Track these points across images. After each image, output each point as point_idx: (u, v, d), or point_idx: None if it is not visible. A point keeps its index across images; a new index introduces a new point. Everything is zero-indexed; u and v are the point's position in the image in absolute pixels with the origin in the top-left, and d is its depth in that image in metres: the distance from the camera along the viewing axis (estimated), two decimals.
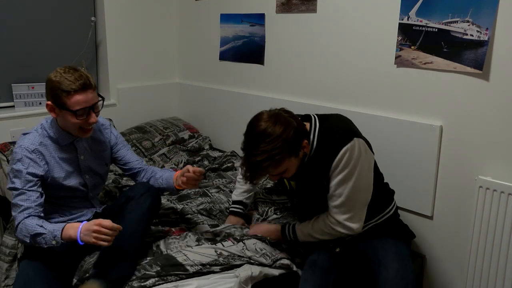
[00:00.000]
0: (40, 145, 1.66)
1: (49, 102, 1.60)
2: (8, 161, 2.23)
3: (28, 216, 1.54)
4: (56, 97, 1.57)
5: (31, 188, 1.58)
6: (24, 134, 1.70)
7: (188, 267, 1.54)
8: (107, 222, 1.45)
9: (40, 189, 1.62)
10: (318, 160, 1.56)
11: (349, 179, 1.54)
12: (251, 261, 1.60)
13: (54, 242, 1.49)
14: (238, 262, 1.58)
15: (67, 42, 2.74)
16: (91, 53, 2.88)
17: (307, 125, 1.60)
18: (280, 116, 1.52)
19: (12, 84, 2.54)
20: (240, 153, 2.77)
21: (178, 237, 1.75)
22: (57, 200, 1.74)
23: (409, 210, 2.02)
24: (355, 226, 1.58)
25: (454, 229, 1.90)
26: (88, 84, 1.58)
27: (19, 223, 1.55)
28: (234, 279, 1.49)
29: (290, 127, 1.48)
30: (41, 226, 1.52)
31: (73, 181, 1.74)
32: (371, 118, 2.07)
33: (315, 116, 1.64)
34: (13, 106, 2.57)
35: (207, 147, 2.91)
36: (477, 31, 1.68)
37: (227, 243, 1.66)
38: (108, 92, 2.90)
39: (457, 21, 1.74)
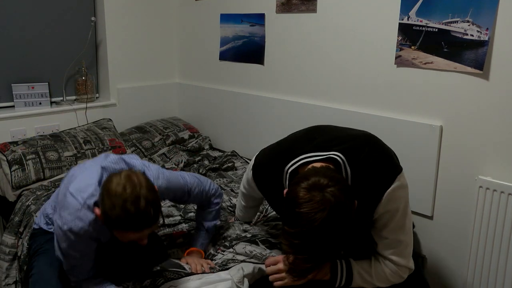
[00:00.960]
0: (90, 225, 1.36)
1: (98, 211, 1.31)
2: (8, 161, 2.23)
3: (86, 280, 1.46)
4: (107, 218, 1.26)
5: (89, 259, 1.44)
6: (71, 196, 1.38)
7: (186, 266, 1.56)
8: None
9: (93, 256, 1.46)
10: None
11: (403, 223, 1.36)
12: (245, 263, 1.60)
13: None
14: (232, 265, 1.58)
15: (67, 42, 2.74)
16: (91, 53, 2.88)
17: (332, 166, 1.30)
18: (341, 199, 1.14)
19: (12, 84, 2.54)
20: (241, 153, 2.80)
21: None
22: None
23: None
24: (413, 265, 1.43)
25: (454, 229, 1.90)
26: (146, 223, 1.27)
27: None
28: (229, 277, 1.50)
29: (351, 208, 1.18)
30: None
31: (116, 254, 1.54)
32: (371, 118, 2.07)
33: (341, 158, 1.30)
34: (13, 106, 2.57)
35: (207, 147, 2.91)
36: (477, 31, 1.69)
37: (218, 256, 1.66)
38: (108, 92, 2.90)
39: (457, 21, 1.74)
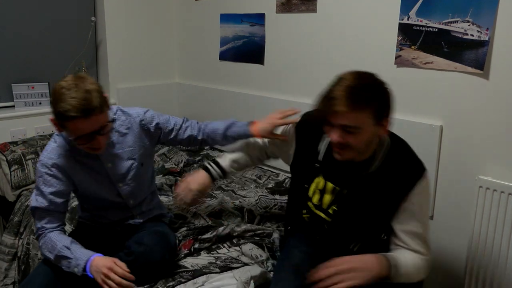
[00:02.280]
0: (59, 157, 1.48)
1: (52, 119, 1.38)
2: (7, 161, 2.23)
3: (52, 231, 1.47)
4: (57, 115, 1.34)
5: (55, 209, 1.48)
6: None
7: (188, 266, 1.56)
8: (119, 269, 1.34)
9: (65, 208, 1.52)
10: (381, 181, 1.34)
11: (427, 218, 1.38)
12: (251, 266, 1.58)
13: (76, 270, 1.40)
14: (236, 265, 1.57)
15: (67, 42, 2.74)
16: (91, 53, 2.88)
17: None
18: (379, 78, 1.34)
19: (12, 84, 2.54)
20: None
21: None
22: (97, 212, 1.65)
23: None
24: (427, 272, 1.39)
25: (454, 229, 1.90)
26: (91, 109, 1.31)
27: (43, 236, 1.47)
28: (234, 281, 1.49)
29: (387, 90, 1.33)
30: (68, 249, 1.42)
31: (104, 192, 1.58)
32: None
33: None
34: (13, 106, 2.57)
35: (207, 147, 2.91)
36: (478, 31, 1.68)
37: (222, 250, 1.65)
38: (108, 92, 2.90)
39: (457, 21, 1.74)
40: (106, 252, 1.47)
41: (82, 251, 1.43)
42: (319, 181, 1.45)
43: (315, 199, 1.46)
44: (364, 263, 1.25)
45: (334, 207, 1.42)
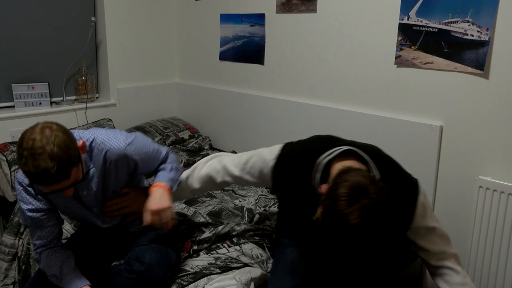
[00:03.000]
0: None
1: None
2: (7, 161, 2.23)
3: (47, 249, 1.46)
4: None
5: (40, 224, 1.44)
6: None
7: (189, 268, 1.55)
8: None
9: (51, 222, 1.47)
10: None
11: (435, 226, 1.40)
12: (249, 266, 1.59)
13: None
14: (236, 265, 1.57)
15: (67, 42, 2.73)
16: (91, 53, 2.88)
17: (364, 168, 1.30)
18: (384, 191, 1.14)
19: (12, 84, 2.54)
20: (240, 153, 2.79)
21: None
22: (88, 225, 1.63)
23: None
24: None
25: (454, 229, 1.90)
26: (50, 179, 1.20)
27: (38, 253, 1.47)
28: (234, 282, 1.49)
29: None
30: (60, 272, 1.42)
31: (84, 213, 1.53)
32: (371, 118, 2.07)
33: (370, 161, 1.32)
34: (13, 106, 2.57)
35: (207, 147, 2.91)
36: (478, 31, 1.68)
37: (222, 250, 1.65)
38: (108, 92, 2.90)
39: (457, 21, 1.74)
40: (109, 254, 1.47)
41: (72, 277, 1.42)
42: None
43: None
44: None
45: None
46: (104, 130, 1.49)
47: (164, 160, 1.63)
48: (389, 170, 1.35)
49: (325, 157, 1.33)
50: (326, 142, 1.41)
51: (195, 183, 1.62)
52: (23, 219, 1.47)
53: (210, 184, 1.62)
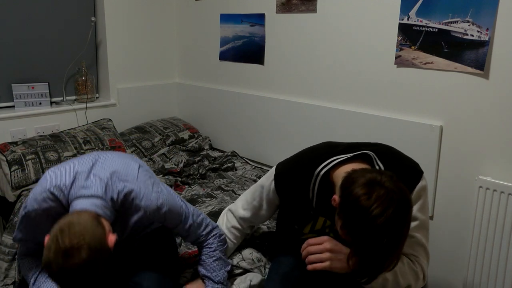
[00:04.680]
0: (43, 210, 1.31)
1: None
2: (7, 161, 2.23)
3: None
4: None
5: (31, 246, 1.41)
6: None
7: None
8: None
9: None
10: None
11: (426, 224, 1.34)
12: (253, 273, 1.57)
13: None
14: (236, 271, 1.56)
15: (67, 42, 2.74)
16: (91, 53, 2.88)
17: (366, 165, 1.30)
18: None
19: (12, 84, 2.54)
20: (241, 153, 2.79)
21: None
22: None
23: None
24: (425, 281, 1.35)
25: (454, 229, 1.90)
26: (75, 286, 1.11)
27: (20, 259, 1.44)
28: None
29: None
30: (34, 281, 1.38)
31: None
32: (371, 118, 2.07)
33: (372, 154, 1.32)
34: (13, 106, 2.57)
35: (207, 147, 2.91)
36: (478, 31, 1.68)
37: None
38: (108, 92, 2.90)
39: (457, 21, 1.74)
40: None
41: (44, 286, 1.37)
42: (317, 221, 1.42)
43: (307, 229, 1.44)
44: (341, 248, 1.24)
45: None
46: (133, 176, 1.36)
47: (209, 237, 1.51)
48: (392, 160, 1.33)
49: (322, 168, 1.31)
50: (321, 151, 1.39)
51: (231, 245, 1.59)
52: (16, 237, 1.40)
53: (243, 236, 1.61)
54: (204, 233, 1.50)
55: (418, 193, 1.30)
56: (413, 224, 1.30)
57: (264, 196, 1.48)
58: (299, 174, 1.37)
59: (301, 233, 1.46)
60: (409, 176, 1.30)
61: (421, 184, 1.31)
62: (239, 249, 1.64)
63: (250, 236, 1.71)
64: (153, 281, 1.43)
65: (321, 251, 1.24)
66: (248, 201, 1.54)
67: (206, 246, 1.51)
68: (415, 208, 1.30)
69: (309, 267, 1.25)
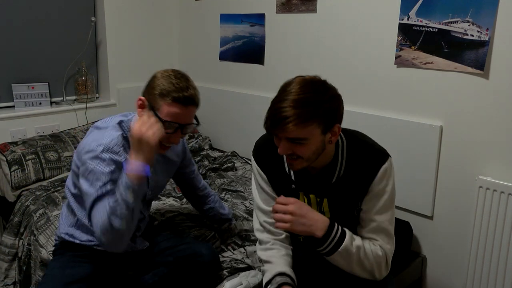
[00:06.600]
0: (122, 147, 1.41)
1: (143, 98, 1.45)
2: (7, 161, 2.23)
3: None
4: (153, 96, 1.39)
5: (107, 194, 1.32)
6: (98, 128, 1.48)
7: None
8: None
9: None
10: (350, 179, 1.34)
11: (389, 208, 1.34)
12: (253, 269, 1.58)
13: (130, 195, 1.27)
14: (241, 266, 1.57)
15: (67, 42, 2.73)
16: (91, 53, 2.88)
17: None
18: (327, 84, 1.32)
19: (12, 84, 2.54)
20: (241, 153, 2.79)
21: None
22: None
23: (409, 210, 2.02)
24: (388, 268, 1.33)
25: (454, 229, 1.90)
26: (193, 100, 1.37)
27: (92, 220, 1.31)
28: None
29: (334, 97, 1.31)
30: (108, 203, 1.29)
31: None
32: (371, 118, 2.07)
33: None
34: (13, 106, 2.57)
35: (207, 147, 2.91)
36: (478, 31, 1.68)
37: (227, 253, 1.65)
38: (108, 92, 2.90)
39: (457, 21, 1.74)
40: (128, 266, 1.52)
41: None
42: (301, 199, 1.41)
43: None
44: (314, 220, 1.27)
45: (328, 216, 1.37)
46: None
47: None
48: (360, 142, 1.37)
49: None
50: None
51: (284, 257, 1.43)
52: (96, 184, 1.33)
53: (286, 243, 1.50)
54: None
55: (383, 174, 1.31)
56: (376, 207, 1.32)
57: (259, 181, 1.46)
58: (273, 146, 1.35)
59: None
60: (374, 157, 1.32)
61: (386, 165, 1.32)
62: (244, 245, 1.65)
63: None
64: (209, 248, 1.55)
65: (285, 212, 1.28)
66: (259, 199, 1.47)
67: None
68: (378, 189, 1.32)
69: (275, 225, 1.30)
